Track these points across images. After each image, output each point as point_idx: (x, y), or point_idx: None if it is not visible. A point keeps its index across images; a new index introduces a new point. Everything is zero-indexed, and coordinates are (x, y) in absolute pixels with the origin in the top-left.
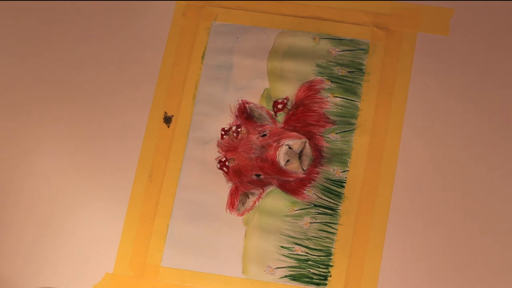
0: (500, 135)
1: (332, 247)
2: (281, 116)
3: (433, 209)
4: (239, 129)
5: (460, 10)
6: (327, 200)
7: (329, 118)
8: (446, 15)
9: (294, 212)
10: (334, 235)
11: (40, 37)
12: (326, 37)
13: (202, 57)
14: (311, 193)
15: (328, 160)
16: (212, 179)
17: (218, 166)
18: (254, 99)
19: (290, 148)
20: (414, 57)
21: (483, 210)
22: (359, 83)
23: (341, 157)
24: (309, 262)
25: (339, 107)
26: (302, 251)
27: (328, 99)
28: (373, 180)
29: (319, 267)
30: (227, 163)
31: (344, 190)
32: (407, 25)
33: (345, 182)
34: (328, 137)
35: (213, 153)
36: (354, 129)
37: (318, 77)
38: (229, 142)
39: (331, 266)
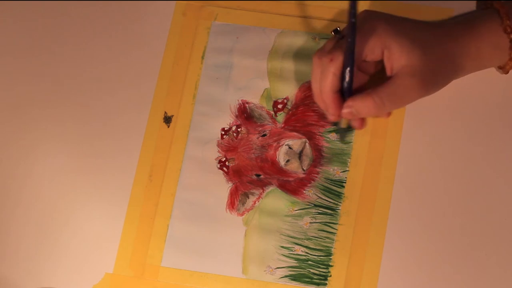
0: (503, 134)
1: (332, 247)
2: (281, 116)
3: (433, 209)
4: (239, 129)
5: (460, 10)
6: (327, 200)
7: None
8: (446, 15)
9: (294, 212)
10: (334, 235)
11: (39, 37)
12: (326, 37)
13: (202, 57)
14: (311, 193)
15: (328, 160)
16: (212, 179)
17: (218, 166)
18: (254, 99)
19: (290, 148)
20: None
21: (484, 210)
22: None
23: (341, 157)
24: (309, 262)
25: None
26: (302, 251)
27: None
28: (373, 180)
29: (319, 267)
30: (227, 163)
31: (344, 190)
32: None
33: (345, 182)
34: (328, 137)
35: (213, 153)
36: (354, 129)
37: None
38: (229, 142)
39: (331, 266)
